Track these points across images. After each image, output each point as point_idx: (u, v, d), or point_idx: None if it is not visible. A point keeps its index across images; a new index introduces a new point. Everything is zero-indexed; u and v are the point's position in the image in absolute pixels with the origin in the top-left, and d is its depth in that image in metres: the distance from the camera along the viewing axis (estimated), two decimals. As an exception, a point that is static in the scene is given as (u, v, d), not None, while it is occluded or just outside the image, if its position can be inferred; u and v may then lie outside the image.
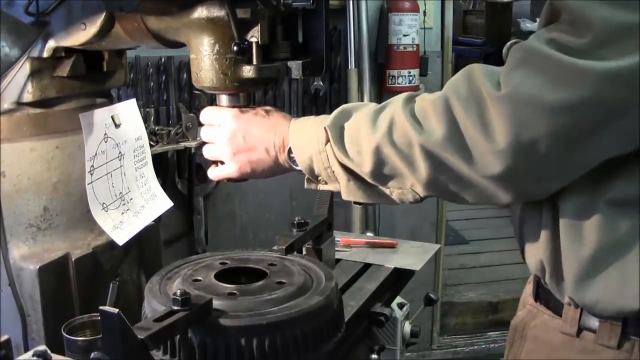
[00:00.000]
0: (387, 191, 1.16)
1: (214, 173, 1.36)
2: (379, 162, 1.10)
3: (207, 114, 1.34)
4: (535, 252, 1.18)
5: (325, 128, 1.16)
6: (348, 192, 1.19)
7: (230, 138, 1.28)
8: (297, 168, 1.23)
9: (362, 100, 3.16)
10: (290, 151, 1.22)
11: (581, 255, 1.08)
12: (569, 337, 1.15)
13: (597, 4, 0.94)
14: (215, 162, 1.37)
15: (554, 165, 1.00)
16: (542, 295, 1.25)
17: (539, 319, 1.24)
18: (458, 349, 3.76)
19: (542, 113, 0.95)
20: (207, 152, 1.36)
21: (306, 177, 1.24)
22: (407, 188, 1.13)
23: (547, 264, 1.15)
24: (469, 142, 1.01)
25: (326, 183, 1.22)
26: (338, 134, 1.15)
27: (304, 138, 1.20)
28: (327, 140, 1.16)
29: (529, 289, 1.33)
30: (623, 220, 1.04)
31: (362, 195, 1.18)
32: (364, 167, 1.13)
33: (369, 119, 1.12)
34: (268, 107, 1.33)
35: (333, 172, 1.18)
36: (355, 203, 1.23)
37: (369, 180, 1.15)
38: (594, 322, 1.12)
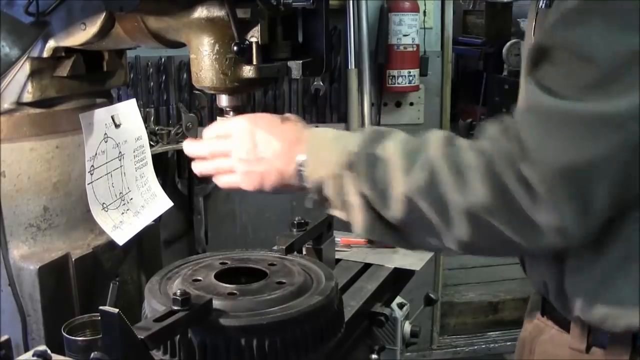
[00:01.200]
0: (414, 240, 1.05)
1: (223, 182, 1.23)
2: (411, 211, 0.99)
3: (214, 129, 1.23)
4: (538, 273, 1.16)
5: (352, 153, 1.03)
6: (365, 229, 1.05)
7: (240, 146, 1.15)
8: (304, 184, 1.10)
9: (362, 100, 3.16)
10: (299, 164, 1.09)
11: (592, 275, 1.05)
12: (578, 352, 1.13)
13: (595, 34, 0.89)
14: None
15: (605, 214, 0.95)
16: (549, 310, 1.22)
17: (546, 334, 1.22)
18: (458, 349, 3.75)
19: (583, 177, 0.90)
20: (218, 166, 1.21)
21: (309, 195, 1.12)
22: (438, 242, 1.01)
23: (552, 285, 1.13)
24: (517, 211, 0.93)
25: (334, 209, 1.09)
26: (365, 163, 1.01)
27: (323, 155, 1.07)
28: (350, 166, 1.03)
29: (535, 299, 1.31)
30: (635, 233, 1.01)
31: (379, 235, 1.05)
32: (392, 212, 1.00)
33: (403, 159, 0.99)
34: (288, 115, 1.21)
35: (347, 202, 1.04)
36: (369, 242, 1.13)
37: (391, 222, 1.02)
38: (604, 338, 1.10)
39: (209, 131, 1.24)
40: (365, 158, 1.02)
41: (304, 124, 1.17)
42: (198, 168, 1.25)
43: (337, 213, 1.10)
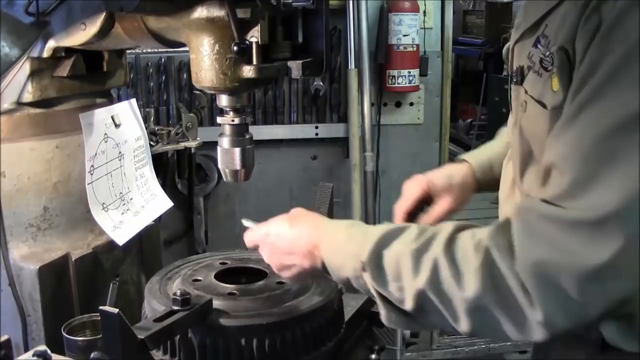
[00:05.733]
0: (430, 324, 1.11)
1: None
2: (423, 305, 1.05)
3: (247, 238, 1.30)
4: None
5: (362, 260, 1.09)
6: (389, 321, 1.13)
7: (268, 259, 1.24)
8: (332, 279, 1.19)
9: (362, 100, 3.16)
10: (323, 265, 1.16)
11: None
12: (593, 354, 1.13)
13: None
14: None
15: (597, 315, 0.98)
16: None
17: (562, 337, 1.22)
18: (458, 349, 3.75)
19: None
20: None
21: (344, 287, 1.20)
22: (450, 328, 1.07)
23: None
24: (511, 303, 0.97)
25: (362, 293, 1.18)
26: (377, 267, 1.08)
27: (338, 261, 1.14)
28: (364, 270, 1.10)
29: None
30: None
31: (403, 325, 1.13)
32: (406, 305, 1.07)
33: (411, 259, 1.05)
34: (293, 212, 1.27)
35: (373, 294, 1.12)
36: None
37: (411, 313, 1.09)
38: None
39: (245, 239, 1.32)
40: (374, 261, 1.09)
41: (319, 217, 1.25)
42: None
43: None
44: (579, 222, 0.93)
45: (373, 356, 1.35)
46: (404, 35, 3.16)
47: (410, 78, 3.22)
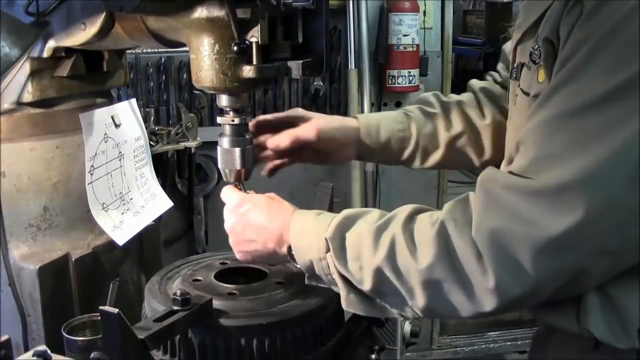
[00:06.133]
0: (388, 306, 1.13)
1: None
2: (380, 282, 1.08)
3: (222, 194, 1.33)
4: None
5: (326, 239, 1.13)
6: (348, 303, 1.15)
7: (232, 228, 1.26)
8: (297, 265, 1.20)
9: (362, 100, 3.16)
10: (290, 249, 1.19)
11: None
12: (587, 351, 1.13)
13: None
14: None
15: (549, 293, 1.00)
16: None
17: (558, 333, 1.21)
18: (458, 349, 3.75)
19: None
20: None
21: (307, 275, 1.20)
22: (407, 308, 1.10)
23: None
24: (464, 272, 0.99)
25: (327, 285, 1.18)
26: (339, 246, 1.11)
27: (305, 242, 1.16)
28: (328, 250, 1.13)
29: None
30: None
31: (361, 308, 1.14)
32: (365, 285, 1.10)
33: (372, 236, 1.08)
34: (272, 195, 1.29)
35: (334, 279, 1.15)
36: (355, 316, 1.20)
37: (370, 295, 1.12)
38: None
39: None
40: (338, 240, 1.12)
41: (287, 203, 1.26)
42: None
43: (330, 287, 1.19)
44: (539, 191, 0.95)
45: (373, 356, 1.35)
46: (404, 35, 3.16)
47: (410, 78, 3.22)
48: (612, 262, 0.98)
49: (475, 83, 1.65)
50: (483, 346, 3.78)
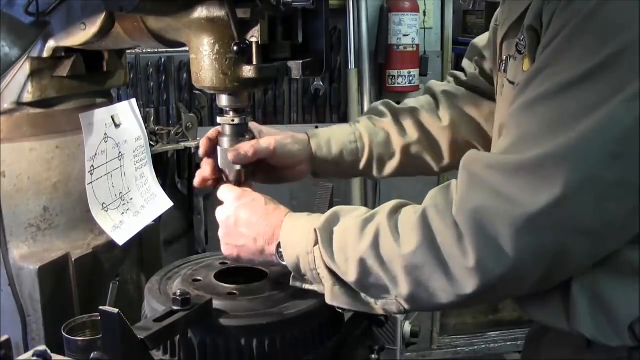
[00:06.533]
0: (372, 300, 1.13)
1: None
2: (364, 273, 1.09)
3: (220, 191, 1.33)
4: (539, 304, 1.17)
5: (315, 230, 1.14)
6: (332, 296, 1.15)
7: (224, 220, 1.27)
8: (283, 263, 1.19)
9: (362, 100, 3.16)
10: (279, 246, 1.20)
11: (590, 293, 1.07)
12: (580, 349, 1.13)
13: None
14: None
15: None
16: None
17: (552, 333, 1.22)
18: (458, 349, 3.75)
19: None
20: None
21: (292, 275, 1.21)
22: (392, 299, 1.11)
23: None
24: (445, 254, 1.00)
25: (311, 284, 1.19)
26: (327, 238, 1.13)
27: (295, 236, 1.17)
28: (316, 243, 1.14)
29: None
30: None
31: (346, 301, 1.15)
32: (349, 276, 1.11)
33: (357, 228, 1.10)
34: (268, 197, 1.30)
35: (319, 274, 1.15)
36: (339, 309, 1.19)
37: (354, 287, 1.13)
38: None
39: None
40: (327, 233, 1.13)
41: (283, 207, 1.27)
42: None
43: (313, 287, 1.19)
44: (519, 166, 0.96)
45: (373, 356, 1.35)
46: (404, 35, 3.16)
47: (410, 78, 3.22)
48: (593, 243, 0.98)
49: (434, 85, 1.63)
50: (483, 346, 3.78)
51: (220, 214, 1.28)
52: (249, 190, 1.32)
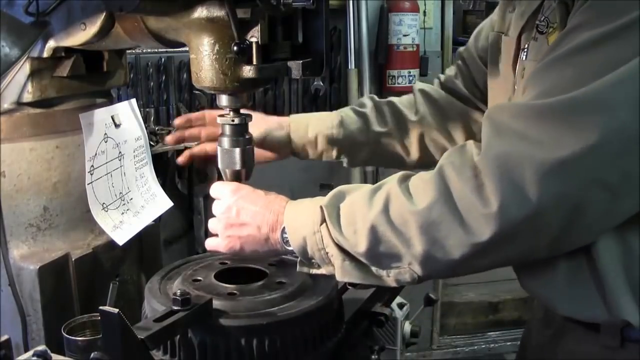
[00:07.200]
0: (384, 272, 1.12)
1: (208, 244, 1.35)
2: (375, 241, 1.08)
3: (213, 188, 1.34)
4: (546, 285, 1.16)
5: (321, 207, 1.14)
6: (343, 272, 1.14)
7: (225, 212, 1.27)
8: (289, 248, 1.20)
9: (362, 100, 3.16)
10: (283, 231, 1.20)
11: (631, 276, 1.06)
12: (611, 349, 1.12)
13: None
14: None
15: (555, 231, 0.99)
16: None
17: (570, 335, 1.21)
18: (458, 349, 3.76)
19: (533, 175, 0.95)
20: (209, 225, 1.36)
21: (299, 259, 1.21)
22: (404, 267, 1.10)
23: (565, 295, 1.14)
24: (461, 206, 0.99)
25: (319, 267, 1.18)
26: (334, 214, 1.13)
27: (300, 219, 1.17)
28: (323, 221, 1.13)
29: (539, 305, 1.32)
30: None
31: (357, 275, 1.14)
32: (360, 247, 1.10)
33: (365, 198, 1.10)
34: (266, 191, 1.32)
35: (327, 253, 1.14)
36: (350, 285, 1.19)
37: (365, 260, 1.12)
38: (637, 333, 1.09)
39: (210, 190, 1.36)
40: (333, 208, 1.13)
41: (284, 196, 1.28)
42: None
43: (321, 270, 1.19)
44: (549, 110, 0.96)
45: (373, 356, 1.35)
46: (404, 35, 3.16)
47: (410, 78, 3.22)
48: (611, 199, 0.97)
49: (416, 84, 1.72)
50: (483, 346, 3.78)
51: (218, 207, 1.29)
52: (244, 184, 1.32)
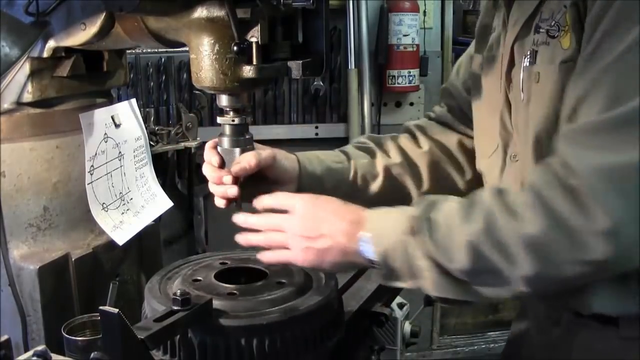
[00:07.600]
0: (484, 289, 1.08)
1: (273, 257, 1.23)
2: (474, 258, 1.04)
3: (276, 198, 1.26)
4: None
5: (411, 218, 1.10)
6: (437, 287, 1.10)
7: (300, 225, 1.19)
8: (369, 257, 1.14)
9: (362, 100, 3.16)
10: (364, 241, 1.14)
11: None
12: (632, 340, 1.12)
13: None
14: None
15: None
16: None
17: (583, 332, 1.20)
18: (458, 349, 3.75)
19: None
20: (270, 239, 1.23)
21: (379, 271, 1.15)
22: (507, 285, 1.06)
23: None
24: (569, 227, 0.97)
25: (400, 278, 1.13)
26: (427, 226, 1.08)
27: (385, 228, 1.13)
28: (412, 231, 1.09)
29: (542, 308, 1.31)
30: None
31: (453, 291, 1.10)
32: (457, 263, 1.06)
33: (460, 213, 1.07)
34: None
35: (417, 265, 1.09)
36: (441, 302, 1.14)
37: (461, 276, 1.08)
38: None
39: (265, 202, 1.26)
40: (425, 219, 1.09)
41: (363, 207, 1.21)
42: (246, 240, 1.26)
43: (405, 283, 1.14)
44: (629, 115, 0.95)
45: (373, 356, 1.35)
46: (404, 35, 3.16)
47: (410, 78, 3.22)
48: None
49: (407, 123, 1.66)
50: (483, 346, 3.78)
51: (292, 221, 1.21)
52: (309, 194, 1.27)
